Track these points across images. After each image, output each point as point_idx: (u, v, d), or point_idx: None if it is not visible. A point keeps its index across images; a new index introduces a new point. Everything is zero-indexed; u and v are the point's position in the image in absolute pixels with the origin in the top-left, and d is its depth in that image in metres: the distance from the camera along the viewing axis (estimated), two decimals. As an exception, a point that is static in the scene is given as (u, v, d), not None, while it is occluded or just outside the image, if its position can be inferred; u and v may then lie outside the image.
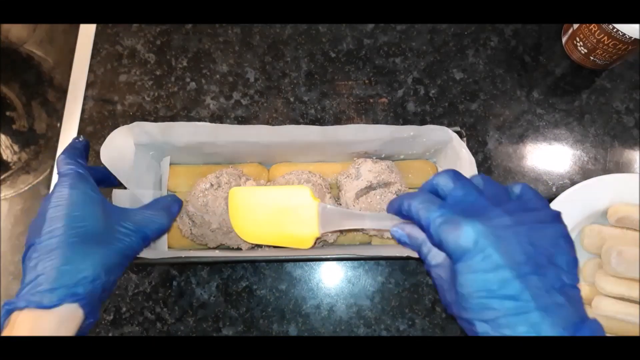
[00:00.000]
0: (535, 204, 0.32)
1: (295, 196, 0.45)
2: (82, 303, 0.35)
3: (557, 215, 0.32)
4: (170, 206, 0.46)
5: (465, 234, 0.30)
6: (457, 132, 0.49)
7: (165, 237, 0.51)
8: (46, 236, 0.36)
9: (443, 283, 0.34)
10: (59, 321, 0.34)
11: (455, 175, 0.34)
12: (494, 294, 0.29)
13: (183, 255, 0.47)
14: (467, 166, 0.48)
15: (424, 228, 0.33)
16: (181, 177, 0.54)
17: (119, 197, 0.47)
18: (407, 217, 0.35)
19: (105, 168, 0.46)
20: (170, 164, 0.54)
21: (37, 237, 0.36)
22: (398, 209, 0.36)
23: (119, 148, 0.47)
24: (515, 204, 0.32)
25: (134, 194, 0.48)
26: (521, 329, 0.29)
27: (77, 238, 0.36)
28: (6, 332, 0.33)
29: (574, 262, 0.31)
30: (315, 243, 0.46)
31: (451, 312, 0.33)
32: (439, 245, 0.32)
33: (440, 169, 0.55)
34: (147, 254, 0.48)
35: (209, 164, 0.55)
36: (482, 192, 0.33)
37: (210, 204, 0.49)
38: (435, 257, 0.35)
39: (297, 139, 0.49)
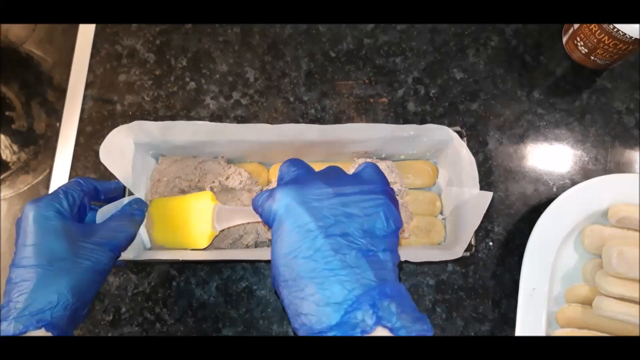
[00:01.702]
0: (368, 179, 0.33)
1: (198, 201, 0.48)
2: (48, 328, 0.36)
3: (383, 191, 0.32)
4: (134, 213, 0.47)
5: (277, 199, 0.31)
6: (458, 132, 0.49)
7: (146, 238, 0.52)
8: (18, 263, 0.38)
9: None
10: None
11: (292, 160, 0.36)
12: (299, 254, 0.29)
13: (181, 259, 0.48)
14: (468, 166, 0.48)
15: (258, 214, 0.34)
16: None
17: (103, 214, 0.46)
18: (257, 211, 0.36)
19: (117, 182, 0.47)
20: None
21: (13, 261, 0.38)
22: (254, 206, 0.36)
23: (118, 147, 0.47)
24: (346, 179, 0.33)
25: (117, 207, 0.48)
26: (314, 290, 0.28)
27: (43, 266, 0.37)
28: None
29: (392, 231, 0.31)
30: (212, 242, 0.48)
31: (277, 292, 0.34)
32: (265, 221, 0.33)
33: (440, 169, 0.54)
34: (146, 256, 0.48)
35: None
36: (315, 172, 0.34)
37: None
38: None
39: (297, 138, 0.49)
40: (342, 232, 0.29)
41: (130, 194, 0.49)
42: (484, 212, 0.45)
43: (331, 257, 0.29)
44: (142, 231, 0.51)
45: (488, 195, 0.45)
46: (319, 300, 0.28)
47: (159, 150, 0.52)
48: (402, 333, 0.27)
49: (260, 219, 0.39)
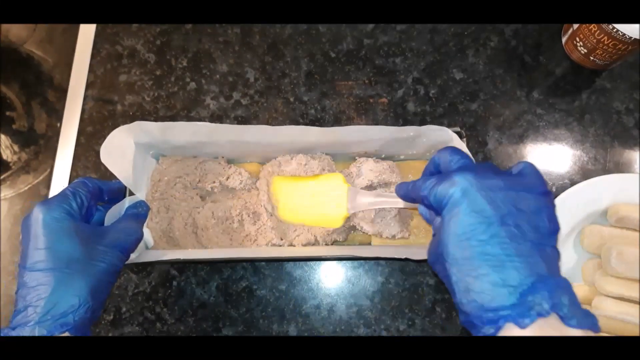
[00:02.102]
0: (531, 179, 0.34)
1: (329, 181, 0.50)
2: (72, 331, 0.36)
3: (547, 192, 0.33)
4: (140, 214, 0.48)
5: (455, 183, 0.32)
6: (457, 133, 0.49)
7: (149, 238, 0.52)
8: (31, 267, 0.37)
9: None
10: None
11: (453, 149, 0.37)
12: (473, 236, 0.31)
13: (182, 258, 0.48)
14: None
15: (422, 198, 0.35)
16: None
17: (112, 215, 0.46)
18: (411, 196, 0.38)
19: (119, 182, 0.47)
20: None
21: (24, 264, 0.37)
22: (404, 191, 0.39)
23: (119, 147, 0.47)
24: (511, 175, 0.34)
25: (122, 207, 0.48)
26: (488, 271, 0.30)
27: (60, 269, 0.37)
28: None
29: (554, 231, 0.32)
30: (344, 223, 0.50)
31: (434, 269, 0.35)
32: (434, 205, 0.34)
33: None
34: (146, 256, 0.48)
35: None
36: (477, 164, 0.36)
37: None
38: None
39: (297, 139, 0.49)
40: (514, 223, 0.31)
41: (131, 194, 0.49)
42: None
43: (507, 244, 0.30)
44: (145, 231, 0.51)
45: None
46: (494, 281, 0.30)
47: (160, 150, 0.52)
48: (573, 324, 0.29)
49: (398, 205, 0.45)
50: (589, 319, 0.30)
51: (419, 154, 0.54)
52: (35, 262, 0.37)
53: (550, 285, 0.30)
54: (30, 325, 0.35)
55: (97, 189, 0.45)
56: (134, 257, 0.47)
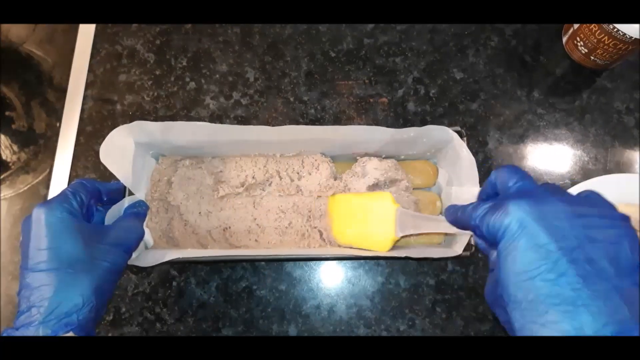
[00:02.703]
0: (599, 202, 0.30)
1: (378, 201, 0.48)
2: (76, 331, 0.36)
3: (624, 217, 0.29)
4: (140, 213, 0.47)
5: (510, 212, 0.28)
6: (458, 132, 0.49)
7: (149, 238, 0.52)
8: (33, 268, 0.37)
9: (492, 280, 0.32)
10: None
11: (513, 168, 0.33)
12: (536, 275, 0.26)
13: (182, 257, 0.47)
14: (468, 166, 0.48)
15: (473, 228, 0.32)
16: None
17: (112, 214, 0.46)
18: (462, 224, 0.34)
19: (117, 182, 0.47)
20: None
21: (26, 265, 0.37)
22: (454, 217, 0.35)
23: (119, 147, 0.47)
24: (576, 198, 0.29)
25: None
26: (557, 318, 0.26)
27: (63, 269, 0.37)
28: None
29: (634, 261, 0.27)
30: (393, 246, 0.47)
31: (493, 310, 0.32)
32: (486, 235, 0.30)
33: (440, 169, 0.55)
34: (144, 260, 0.48)
35: None
36: (540, 185, 0.31)
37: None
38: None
39: (298, 139, 0.49)
40: (586, 257, 0.26)
41: (131, 194, 0.49)
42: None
43: (579, 284, 0.26)
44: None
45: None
46: (565, 330, 0.26)
47: (160, 150, 0.52)
48: None
49: (448, 230, 0.40)
50: None
51: (419, 154, 0.54)
52: (37, 263, 0.37)
53: (635, 333, 0.25)
54: (34, 325, 0.35)
55: (96, 190, 0.44)
56: (134, 257, 0.47)
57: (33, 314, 0.35)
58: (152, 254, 0.49)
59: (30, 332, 0.35)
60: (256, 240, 0.52)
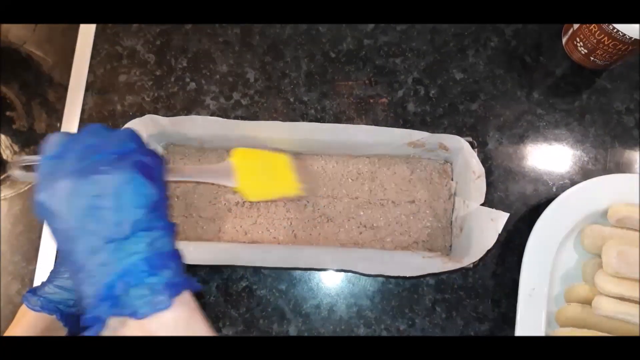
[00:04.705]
0: (107, 142, 0.31)
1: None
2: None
3: (123, 153, 0.31)
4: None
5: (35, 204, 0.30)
6: (469, 143, 0.49)
7: None
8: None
9: None
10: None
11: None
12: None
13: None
14: (476, 177, 0.48)
15: None
16: None
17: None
18: None
19: None
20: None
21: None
22: None
23: None
24: (86, 150, 0.31)
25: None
26: None
27: None
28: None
29: (132, 212, 0.30)
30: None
31: None
32: None
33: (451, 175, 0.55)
34: None
35: None
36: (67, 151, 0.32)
37: None
38: None
39: (308, 137, 0.50)
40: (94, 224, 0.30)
41: None
42: (499, 231, 0.46)
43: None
44: None
45: (504, 216, 0.46)
46: None
47: (170, 142, 0.55)
48: None
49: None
50: None
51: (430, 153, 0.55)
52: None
53: None
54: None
55: None
56: None
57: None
58: None
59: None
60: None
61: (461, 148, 0.49)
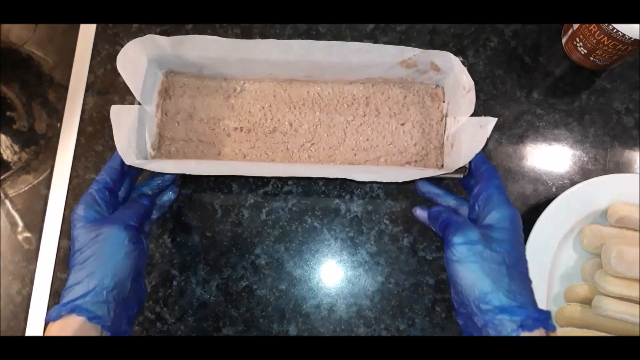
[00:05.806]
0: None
1: None
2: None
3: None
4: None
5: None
6: (461, 62, 0.50)
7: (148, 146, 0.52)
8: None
9: None
10: None
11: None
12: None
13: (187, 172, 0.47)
14: (466, 91, 0.48)
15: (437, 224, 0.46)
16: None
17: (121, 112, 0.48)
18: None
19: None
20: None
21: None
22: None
23: (132, 60, 0.49)
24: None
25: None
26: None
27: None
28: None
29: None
30: None
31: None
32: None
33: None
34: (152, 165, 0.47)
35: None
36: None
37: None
38: None
39: (305, 58, 0.51)
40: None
41: (139, 104, 0.50)
42: (487, 136, 0.45)
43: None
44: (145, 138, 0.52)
45: (492, 121, 0.45)
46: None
47: (171, 67, 0.55)
48: None
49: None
50: None
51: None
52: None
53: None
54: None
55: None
56: (139, 163, 0.47)
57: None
58: (156, 165, 0.48)
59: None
60: (286, 148, 0.54)
61: (452, 66, 0.50)
